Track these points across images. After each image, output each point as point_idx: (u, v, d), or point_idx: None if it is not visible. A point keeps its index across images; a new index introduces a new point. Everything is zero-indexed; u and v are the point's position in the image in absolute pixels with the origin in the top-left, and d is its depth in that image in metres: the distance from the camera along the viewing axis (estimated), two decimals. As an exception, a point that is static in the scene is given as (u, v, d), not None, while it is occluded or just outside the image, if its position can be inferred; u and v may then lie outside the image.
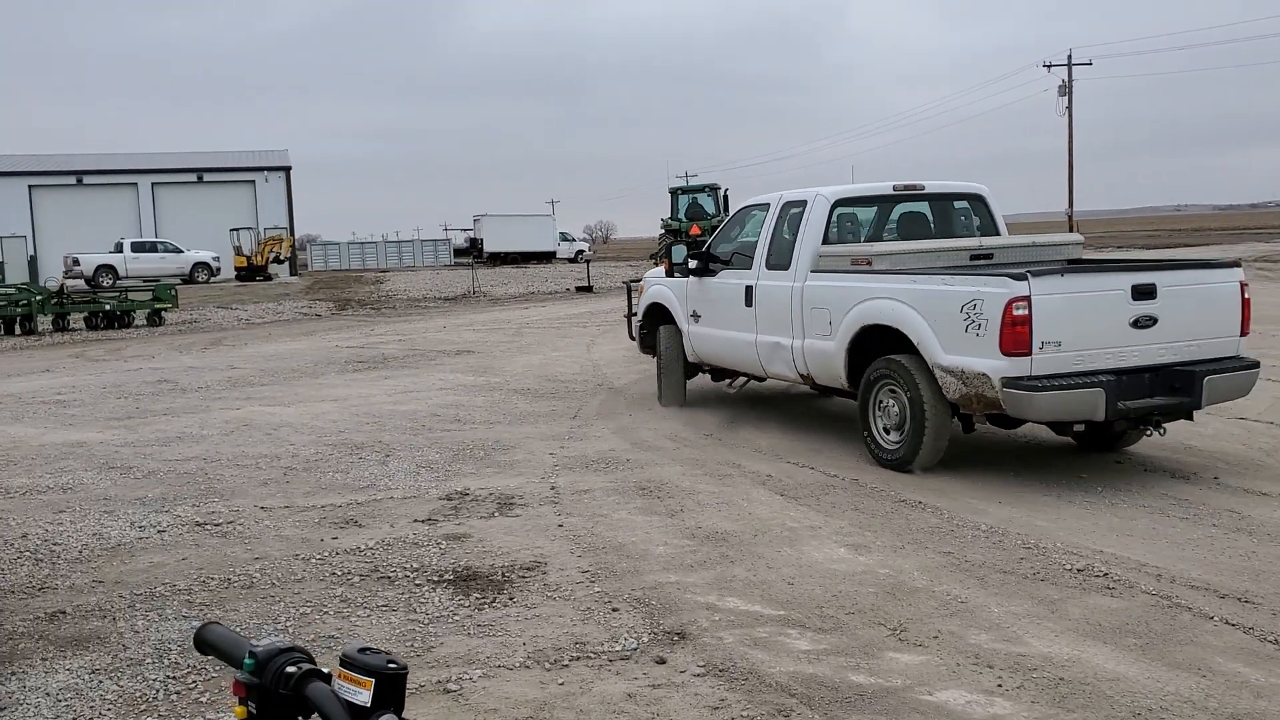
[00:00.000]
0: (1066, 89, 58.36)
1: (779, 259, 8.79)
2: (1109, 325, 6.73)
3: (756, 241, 9.17)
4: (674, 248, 10.11)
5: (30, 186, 50.00)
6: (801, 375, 8.58)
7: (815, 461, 7.80)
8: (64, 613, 5.05)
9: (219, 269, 43.83)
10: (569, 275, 40.62)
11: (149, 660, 4.45)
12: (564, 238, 65.89)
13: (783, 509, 6.54)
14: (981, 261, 8.05)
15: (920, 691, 3.92)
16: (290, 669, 1.34)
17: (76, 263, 40.13)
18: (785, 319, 8.56)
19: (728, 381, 10.51)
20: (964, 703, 3.82)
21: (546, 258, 61.52)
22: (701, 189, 40.07)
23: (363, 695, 1.29)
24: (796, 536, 5.93)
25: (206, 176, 53.24)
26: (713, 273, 9.68)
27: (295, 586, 5.33)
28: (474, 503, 6.90)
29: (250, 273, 44.64)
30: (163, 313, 24.04)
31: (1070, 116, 58.68)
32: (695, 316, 9.95)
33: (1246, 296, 7.20)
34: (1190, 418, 7.26)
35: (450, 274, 47.33)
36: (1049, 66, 59.50)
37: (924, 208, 9.16)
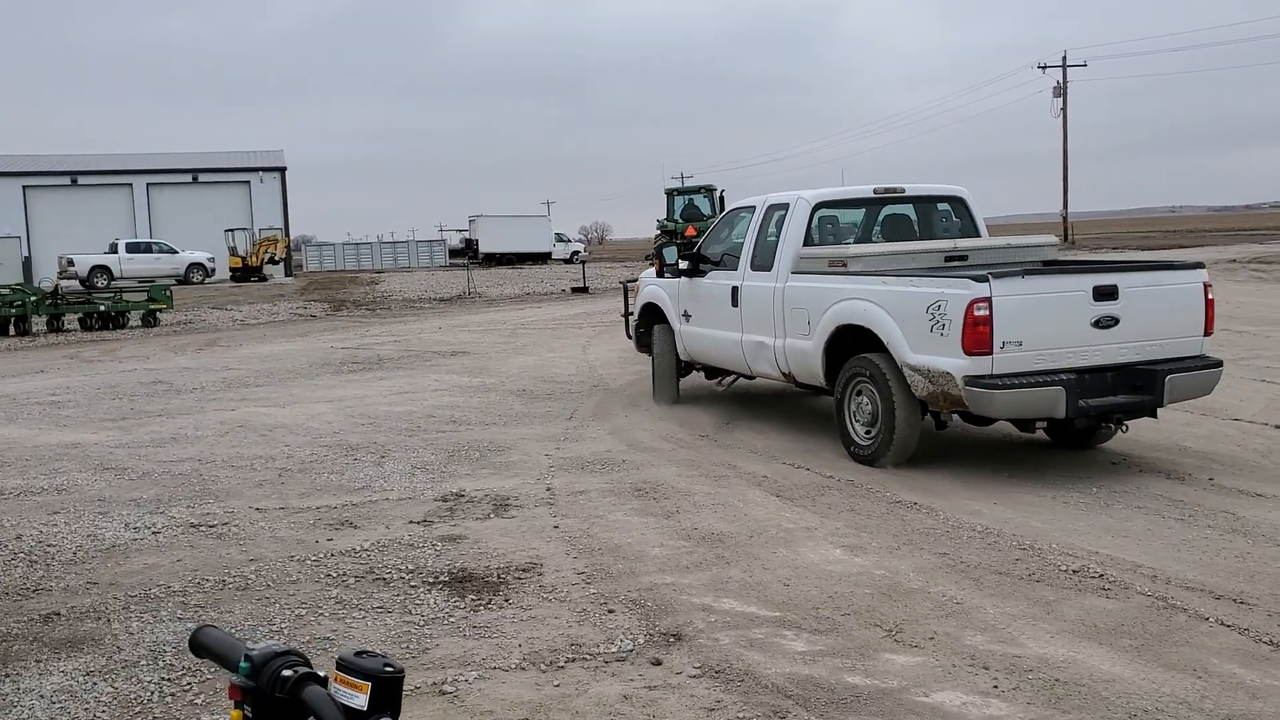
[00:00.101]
0: (1061, 90, 58.47)
1: (763, 260, 8.99)
2: (1070, 325, 6.90)
3: (743, 243, 9.34)
4: (664, 249, 10.29)
5: (25, 187, 49.91)
6: (783, 374, 8.77)
7: (811, 463, 7.80)
8: (58, 614, 5.04)
9: (214, 270, 43.78)
10: (564, 276, 40.60)
11: (144, 662, 4.43)
12: (559, 238, 65.89)
13: (778, 510, 6.54)
14: (956, 263, 8.19)
15: (916, 693, 3.92)
16: (286, 672, 1.34)
17: (71, 263, 40.07)
18: (768, 319, 8.77)
19: (718, 380, 10.70)
20: (960, 704, 3.82)
21: (542, 259, 61.51)
22: (697, 190, 40.11)
23: (359, 699, 1.28)
24: (792, 538, 5.93)
25: (201, 177, 53.18)
26: (702, 273, 9.88)
27: (290, 588, 5.32)
28: (469, 504, 6.90)
29: (245, 273, 44.58)
30: (158, 314, 24.00)
31: (1065, 118, 58.78)
32: (686, 316, 10.16)
33: (1210, 298, 7.35)
34: (1154, 415, 7.40)
35: (445, 275, 47.29)
36: (1044, 68, 59.62)
37: (909, 210, 9.35)
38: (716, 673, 4.15)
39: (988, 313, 6.68)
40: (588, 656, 4.35)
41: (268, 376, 13.97)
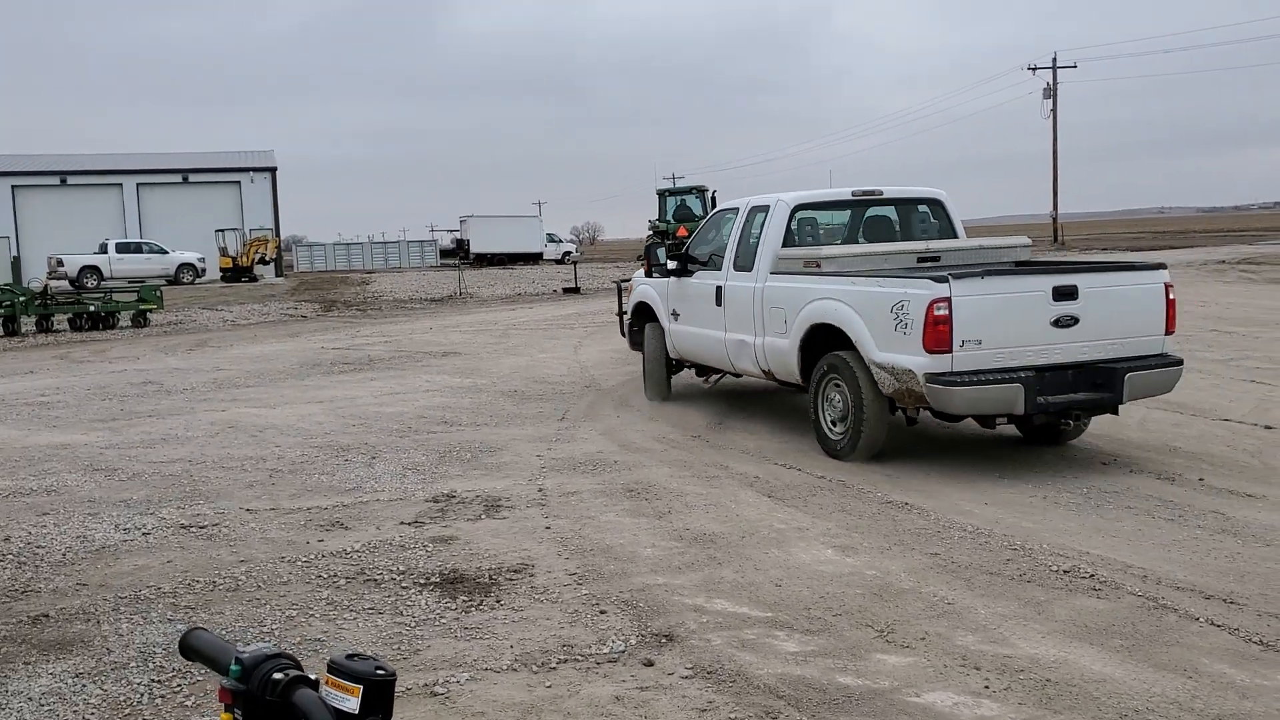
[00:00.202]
0: (1051, 92, 58.64)
1: (744, 261, 9.23)
2: (1030, 324, 7.08)
3: (727, 244, 9.58)
4: (653, 248, 10.53)
5: (14, 187, 49.73)
6: (763, 371, 9.00)
7: (802, 463, 7.81)
8: (47, 616, 5.02)
9: (204, 270, 43.64)
10: (556, 276, 40.59)
11: (133, 664, 4.42)
12: (551, 239, 65.83)
13: (770, 510, 6.55)
14: (928, 264, 8.34)
15: (908, 693, 3.92)
16: (277, 675, 1.33)
17: (60, 263, 39.90)
18: (749, 318, 8.99)
19: (705, 377, 10.94)
20: (951, 704, 3.82)
21: (533, 259, 61.47)
22: (689, 191, 40.10)
23: (350, 702, 1.28)
24: (784, 538, 5.94)
25: (192, 177, 53.05)
26: (690, 273, 10.11)
27: (281, 589, 5.30)
28: (461, 505, 6.88)
29: (236, 274, 44.49)
30: (148, 314, 23.92)
31: (1055, 119, 58.95)
32: (675, 315, 10.40)
33: (1171, 298, 7.51)
34: (1115, 412, 7.58)
35: (436, 275, 47.22)
36: (1034, 69, 59.79)
37: (890, 212, 9.61)
38: (708, 673, 4.14)
39: (947, 312, 6.88)
40: (579, 657, 4.34)
41: (258, 377, 13.93)
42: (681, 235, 32.64)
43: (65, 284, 37.54)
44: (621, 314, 12.48)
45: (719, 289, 9.45)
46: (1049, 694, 3.88)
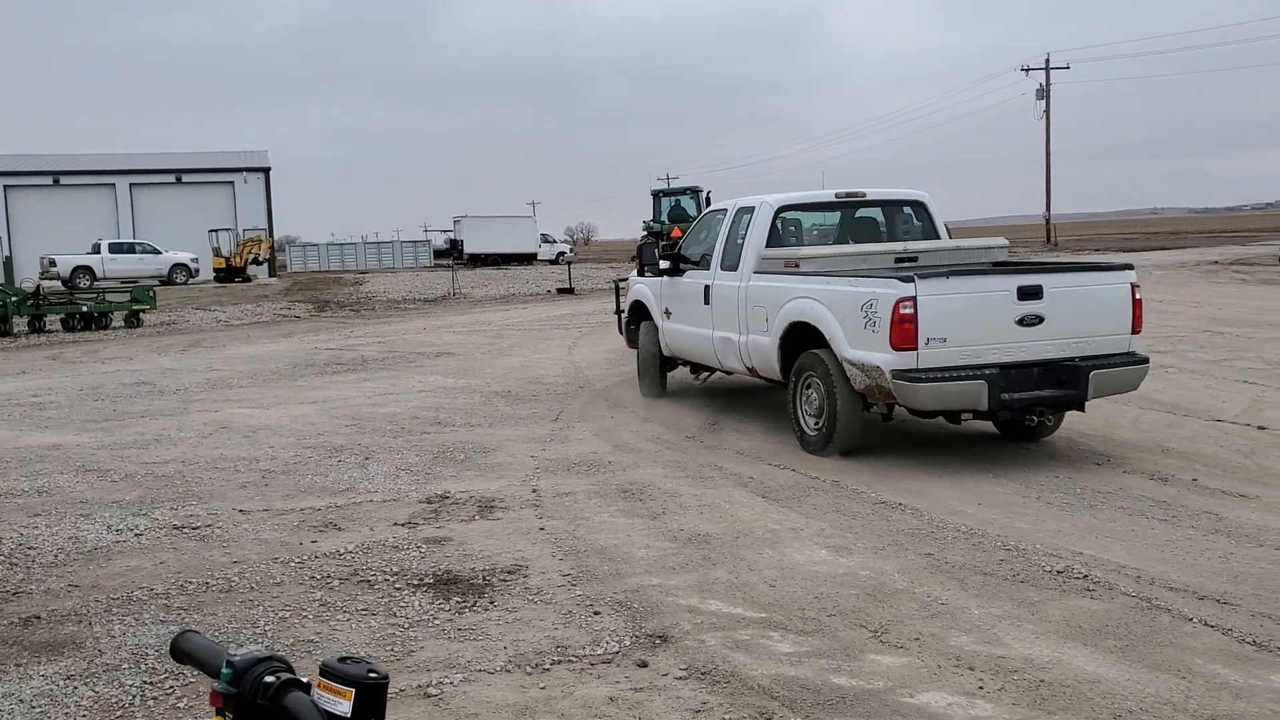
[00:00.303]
0: (1044, 93, 58.75)
1: (730, 261, 9.45)
2: (995, 323, 7.28)
3: (715, 244, 9.80)
4: (646, 248, 10.71)
5: (6, 186, 49.56)
6: (747, 368, 9.22)
7: (796, 463, 7.81)
8: (39, 618, 5.00)
9: (198, 270, 43.54)
10: (550, 277, 40.56)
11: (126, 666, 4.40)
12: (545, 239, 65.78)
13: (764, 511, 6.55)
14: (906, 264, 8.49)
15: (902, 694, 3.92)
16: (269, 679, 1.32)
17: (53, 264, 39.79)
18: (734, 316, 9.22)
19: (696, 375, 11.15)
20: (945, 705, 3.82)
21: (527, 259, 61.41)
22: (684, 191, 40.13)
23: (343, 706, 1.27)
24: (778, 538, 5.94)
25: (185, 177, 52.90)
26: (681, 272, 10.30)
27: (274, 590, 5.29)
28: (454, 506, 6.87)
29: (229, 274, 44.36)
30: (141, 314, 23.86)
31: (1048, 120, 59.07)
32: (668, 313, 10.62)
33: (1138, 298, 7.68)
34: (1081, 409, 7.73)
35: (430, 275, 47.16)
36: (1027, 70, 59.90)
37: (877, 213, 9.84)
38: (703, 674, 4.14)
39: (913, 311, 7.10)
40: (573, 658, 4.33)
41: (251, 377, 13.90)
42: (676, 236, 32.67)
43: (58, 284, 37.42)
44: (619, 312, 12.75)
45: (707, 288, 9.66)
46: (1042, 694, 3.88)
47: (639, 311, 11.32)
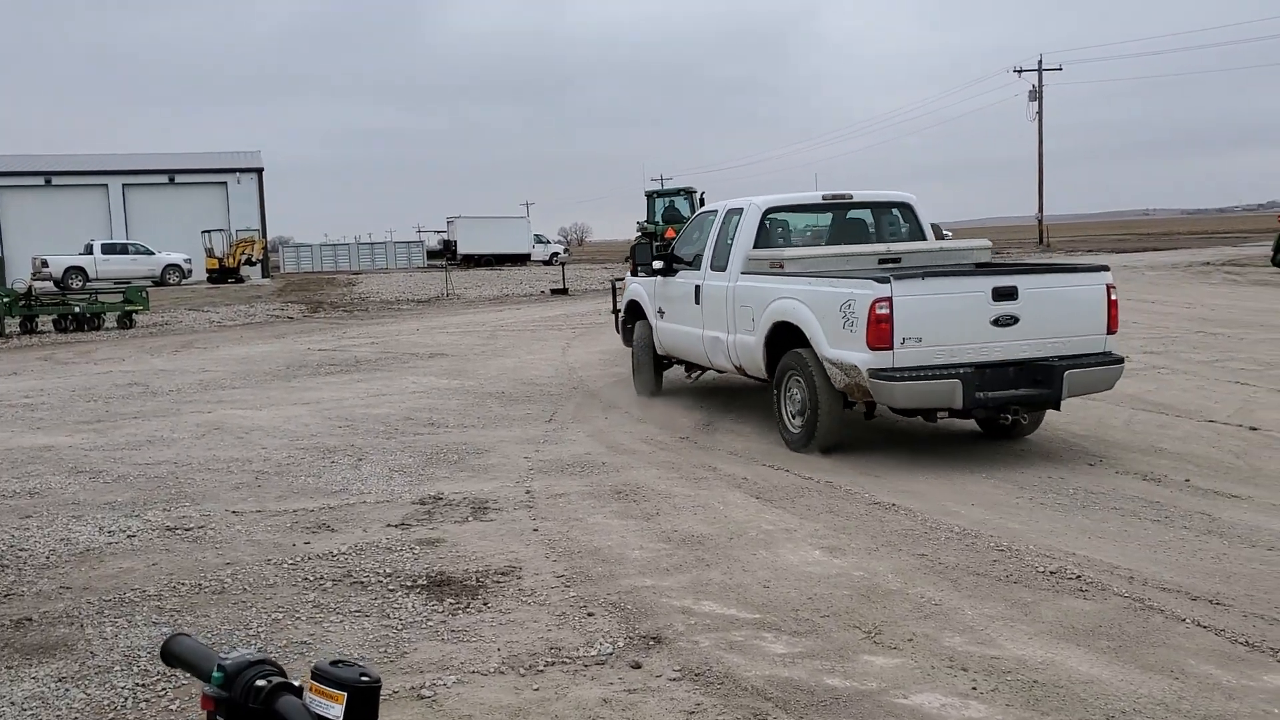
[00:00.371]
0: (1037, 94, 58.85)
1: (719, 261, 9.60)
2: (970, 323, 7.42)
3: (705, 245, 9.95)
4: (639, 248, 10.92)
5: (-2, 187, 49.42)
6: (735, 367, 9.36)
7: (790, 464, 7.81)
8: (30, 620, 4.98)
9: (190, 271, 43.40)
10: (544, 278, 40.54)
11: (118, 668, 4.38)
12: (539, 240, 65.73)
13: (758, 512, 6.54)
14: (889, 265, 8.61)
15: (895, 695, 3.92)
16: (260, 682, 1.32)
17: (45, 264, 39.63)
18: (722, 315, 9.37)
19: (689, 374, 11.32)
20: (939, 705, 3.83)
21: (521, 260, 61.35)
22: (677, 192, 40.11)
23: (335, 710, 1.26)
24: (772, 539, 5.94)
25: (178, 178, 52.80)
26: (674, 272, 10.45)
27: (267, 592, 5.28)
28: (448, 507, 6.86)
29: (222, 275, 44.25)
30: (133, 315, 23.80)
31: (1040, 122, 59.17)
32: (661, 313, 10.77)
33: (1113, 299, 7.81)
34: (1056, 408, 7.83)
35: (423, 276, 47.13)
36: (1019, 72, 60.00)
37: (866, 215, 9.98)
38: (696, 675, 4.14)
39: (888, 311, 7.24)
40: (567, 660, 4.33)
41: (244, 378, 13.87)
42: (670, 237, 32.67)
43: (50, 285, 37.31)
44: (616, 311, 12.97)
45: (697, 288, 9.81)
46: (1036, 695, 3.89)
47: (634, 311, 11.48)
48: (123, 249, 42.45)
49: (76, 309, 23.39)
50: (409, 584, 5.33)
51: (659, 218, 38.14)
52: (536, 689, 4.06)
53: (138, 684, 4.22)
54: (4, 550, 6.13)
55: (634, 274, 11.01)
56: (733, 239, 9.44)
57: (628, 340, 11.82)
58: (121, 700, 4.08)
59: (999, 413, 7.80)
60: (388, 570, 5.55)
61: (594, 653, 4.39)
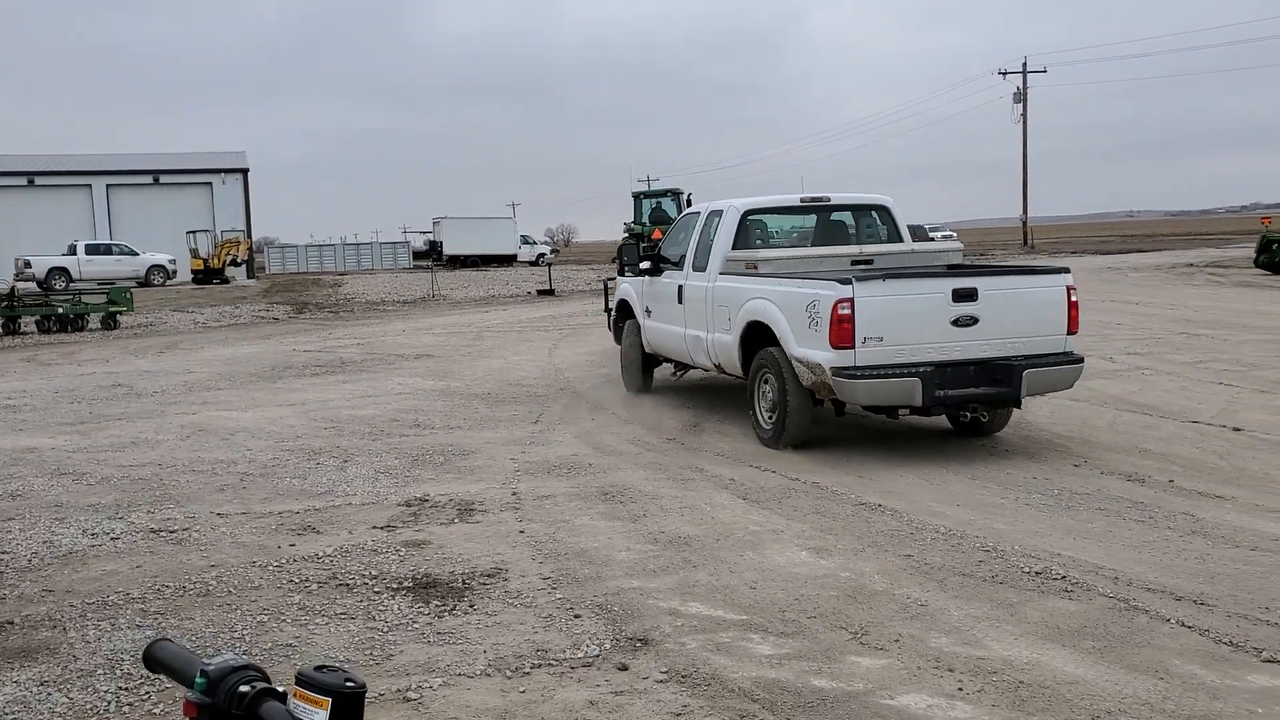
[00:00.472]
0: (1021, 96, 59.09)
1: (701, 262, 9.81)
2: (930, 323, 7.64)
3: (688, 246, 10.17)
4: (625, 248, 11.17)
5: (-21, 187, 49.08)
6: (715, 365, 9.56)
7: (777, 465, 7.82)
8: (11, 623, 4.94)
9: (175, 272, 43.19)
10: (530, 279, 40.49)
11: (100, 671, 4.36)
12: (525, 241, 65.65)
13: (745, 513, 6.55)
14: (861, 267, 8.80)
15: (882, 695, 3.93)
16: (244, 688, 1.30)
17: (28, 265, 39.37)
18: (702, 315, 9.58)
19: (674, 372, 11.52)
20: (925, 706, 3.83)
21: (507, 261, 61.28)
22: (664, 194, 40.10)
23: (319, 715, 1.25)
24: (759, 540, 5.94)
25: (162, 178, 52.53)
26: (661, 272, 10.63)
27: (252, 594, 5.25)
28: (434, 509, 6.84)
29: (207, 275, 44.05)
30: (117, 316, 23.67)
31: (1025, 124, 59.40)
32: (648, 312, 10.97)
33: (1074, 300, 8.00)
34: (1017, 406, 8.06)
35: (409, 277, 47.02)
36: (1004, 74, 60.22)
37: (847, 217, 10.28)
38: (683, 677, 4.13)
39: (850, 311, 7.46)
40: (554, 662, 4.32)
41: (229, 380, 13.81)
42: (656, 238, 32.67)
43: (33, 286, 37.07)
44: (608, 310, 13.26)
45: (680, 288, 10.03)
46: (1022, 696, 3.90)
47: (625, 310, 11.69)
48: (107, 249, 42.21)
49: (60, 310, 23.25)
50: (395, 586, 5.31)
51: (646, 219, 38.13)
52: (523, 691, 4.05)
53: (121, 688, 4.19)
54: (-14, 553, 6.08)
55: (621, 274, 11.25)
56: (713, 240, 9.63)
57: (619, 338, 12.03)
58: (104, 704, 4.05)
59: (959, 410, 8.08)
60: (373, 572, 5.53)
61: (581, 655, 4.38)
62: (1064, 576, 5.16)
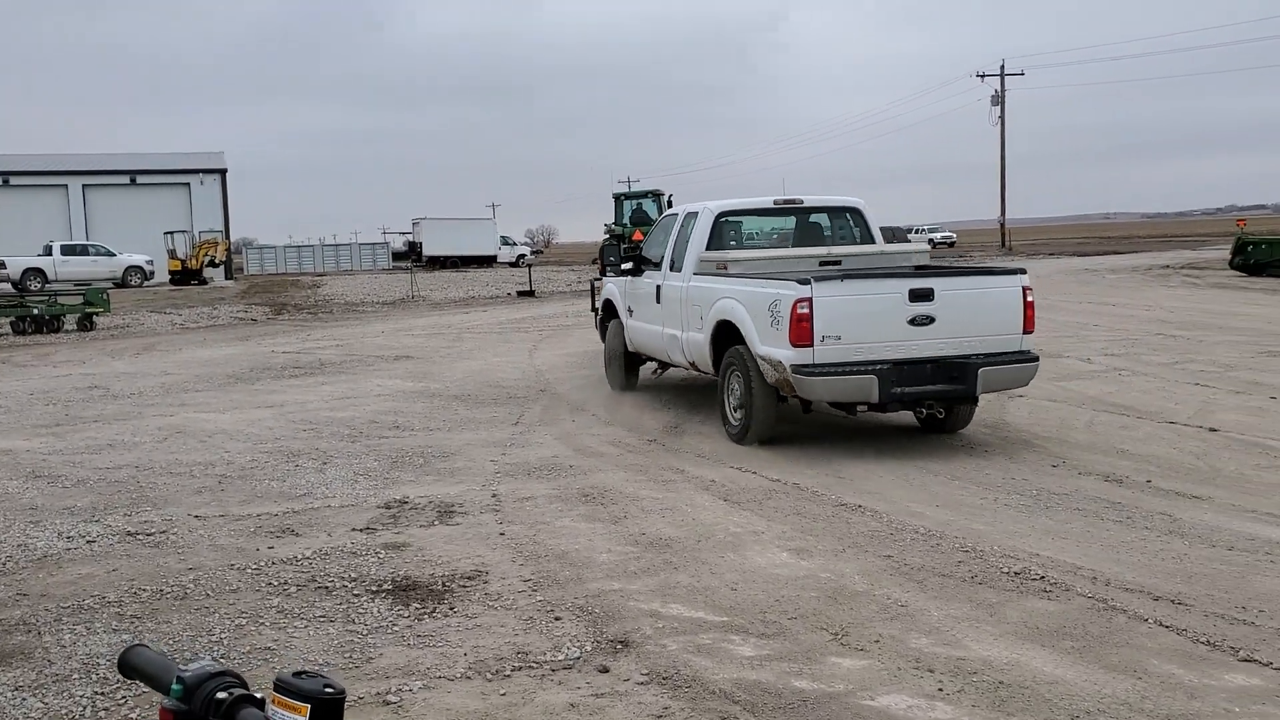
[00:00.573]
0: (999, 99, 59.43)
1: (677, 262, 10.02)
2: (887, 323, 7.85)
3: (666, 246, 10.36)
4: (607, 248, 11.48)
5: (-46, 187, 48.61)
6: (690, 363, 9.77)
7: (757, 466, 7.83)
8: (-13, 628, 4.89)
9: (152, 273, 42.89)
10: (510, 280, 40.43)
11: (76, 676, 4.31)
12: (505, 242, 65.53)
13: (726, 514, 6.55)
14: (829, 268, 8.96)
15: (862, 696, 3.93)
16: (221, 694, 1.29)
17: (3, 266, 38.98)
18: (678, 314, 9.78)
19: (655, 370, 11.74)
20: (905, 707, 3.84)
21: (487, 262, 61.16)
22: (645, 195, 40.08)
23: (297, 722, 1.24)
24: (739, 542, 5.94)
25: (140, 178, 52.16)
26: (642, 272, 10.80)
27: (230, 597, 5.21)
28: (413, 511, 6.81)
29: (185, 276, 43.76)
30: (94, 317, 23.49)
31: (1002, 126, 59.76)
32: (630, 311, 11.16)
33: (1030, 300, 8.20)
34: (974, 403, 8.40)
35: (389, 278, 46.85)
36: (982, 76, 60.55)
37: (824, 219, 10.52)
38: (664, 679, 4.13)
39: (809, 310, 7.69)
40: (534, 664, 4.31)
41: (207, 381, 13.72)
42: (637, 239, 32.68)
43: (8, 286, 36.75)
44: (595, 310, 13.51)
45: (658, 287, 10.23)
46: (1001, 696, 3.91)
47: (610, 309, 11.90)
48: (83, 250, 41.88)
49: (35, 311, 23.05)
50: (374, 589, 5.28)
51: (627, 220, 38.10)
52: (503, 694, 4.04)
53: (96, 692, 4.15)
54: (-41, 557, 6.01)
55: (602, 274, 11.41)
56: (689, 241, 9.83)
57: (605, 337, 12.23)
58: (80, 709, 4.01)
59: (915, 407, 8.38)
60: (353, 575, 5.50)
61: (561, 657, 4.37)
62: (1043, 577, 5.19)
